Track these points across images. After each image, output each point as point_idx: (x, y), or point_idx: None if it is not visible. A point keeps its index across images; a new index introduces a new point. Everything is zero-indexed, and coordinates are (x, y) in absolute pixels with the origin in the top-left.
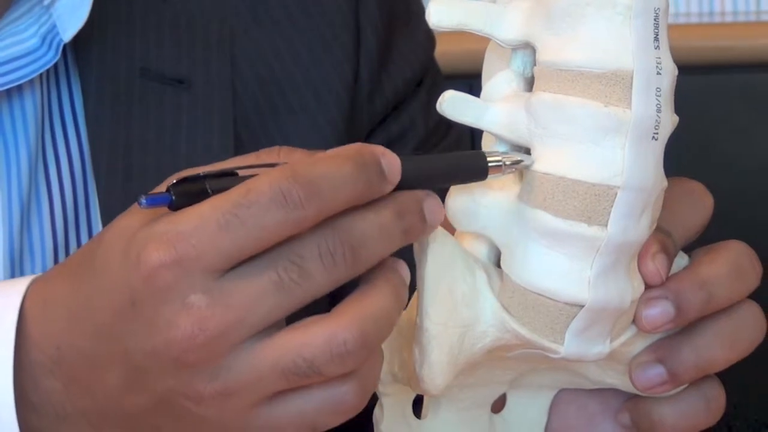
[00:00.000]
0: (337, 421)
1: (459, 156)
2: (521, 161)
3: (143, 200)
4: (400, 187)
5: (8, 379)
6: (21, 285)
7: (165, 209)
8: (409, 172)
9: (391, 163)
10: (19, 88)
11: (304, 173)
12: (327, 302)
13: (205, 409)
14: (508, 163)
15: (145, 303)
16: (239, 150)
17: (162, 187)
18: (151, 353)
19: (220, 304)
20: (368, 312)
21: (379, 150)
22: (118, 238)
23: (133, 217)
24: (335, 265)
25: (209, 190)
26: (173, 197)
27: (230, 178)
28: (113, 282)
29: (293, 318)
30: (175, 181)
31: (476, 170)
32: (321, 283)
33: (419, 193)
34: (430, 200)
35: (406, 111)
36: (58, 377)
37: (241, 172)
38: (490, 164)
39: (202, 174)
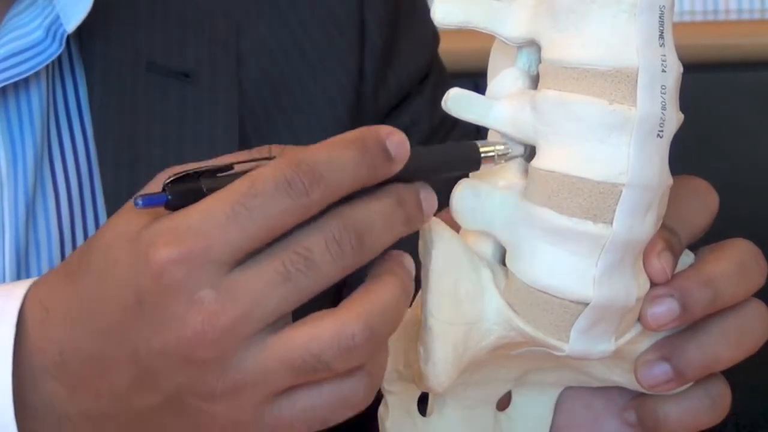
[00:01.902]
0: (346, 415)
1: (453, 147)
2: (511, 152)
3: (140, 201)
4: (397, 178)
5: (7, 384)
6: (19, 290)
7: (161, 209)
8: (406, 163)
9: (397, 143)
10: (26, 81)
11: (306, 160)
12: (332, 301)
13: (215, 406)
14: (499, 153)
15: (153, 301)
16: (244, 144)
17: (156, 186)
18: (160, 351)
19: (229, 298)
20: (375, 305)
21: (385, 131)
22: (120, 239)
23: (130, 217)
24: (342, 253)
25: (204, 189)
26: (169, 197)
27: (225, 175)
28: (118, 282)
29: (300, 316)
30: (170, 180)
31: (469, 161)
32: (328, 272)
33: (416, 185)
34: (426, 191)
35: (410, 107)
36: (62, 381)
37: (236, 168)
38: (482, 155)
39: (196, 171)
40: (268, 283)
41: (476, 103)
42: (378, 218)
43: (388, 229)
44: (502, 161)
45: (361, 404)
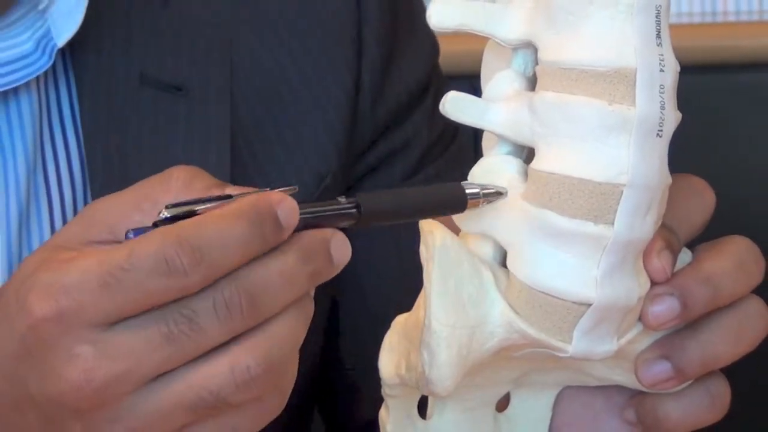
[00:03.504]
0: (257, 428)
1: (437, 188)
2: (499, 193)
3: (131, 233)
4: (377, 221)
5: None
6: None
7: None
8: (387, 205)
9: (287, 209)
10: (15, 91)
11: (190, 238)
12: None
13: None
14: (485, 194)
15: (36, 351)
16: (236, 159)
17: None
18: (49, 400)
19: (107, 356)
20: (270, 334)
21: (276, 198)
22: (14, 282)
23: (35, 256)
24: (230, 317)
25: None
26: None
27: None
28: (10, 327)
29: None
30: (165, 215)
31: (454, 203)
32: (213, 335)
33: (326, 233)
34: (337, 239)
35: (410, 120)
36: None
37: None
38: (469, 197)
39: (192, 208)
40: (149, 343)
41: (473, 105)
42: (277, 277)
43: (289, 287)
44: (488, 201)
45: (271, 417)
